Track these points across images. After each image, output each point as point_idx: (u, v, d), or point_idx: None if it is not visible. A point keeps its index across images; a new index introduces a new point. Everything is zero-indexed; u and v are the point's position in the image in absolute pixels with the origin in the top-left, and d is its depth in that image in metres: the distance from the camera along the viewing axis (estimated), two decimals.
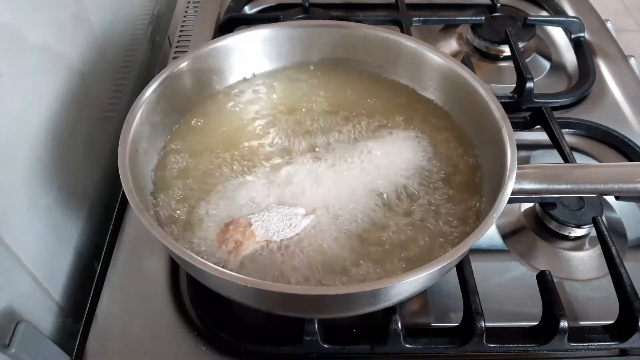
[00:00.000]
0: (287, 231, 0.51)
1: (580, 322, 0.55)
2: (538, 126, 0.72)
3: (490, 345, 0.52)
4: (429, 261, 0.43)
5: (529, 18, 0.89)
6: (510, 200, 0.47)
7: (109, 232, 0.68)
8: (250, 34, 0.65)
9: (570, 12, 0.95)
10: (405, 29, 0.85)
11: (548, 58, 0.88)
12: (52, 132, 0.55)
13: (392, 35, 0.65)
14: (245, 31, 0.65)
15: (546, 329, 0.52)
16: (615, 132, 0.73)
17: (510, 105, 0.76)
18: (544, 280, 0.54)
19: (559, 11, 0.95)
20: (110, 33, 0.71)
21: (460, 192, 0.56)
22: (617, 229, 0.64)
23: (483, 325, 0.51)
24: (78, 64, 0.62)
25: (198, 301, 0.55)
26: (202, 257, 0.46)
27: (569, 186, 0.52)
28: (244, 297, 0.49)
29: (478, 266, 0.55)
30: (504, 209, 0.46)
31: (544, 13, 0.97)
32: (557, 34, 0.92)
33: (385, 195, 0.55)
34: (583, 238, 0.63)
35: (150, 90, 0.56)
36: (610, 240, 0.57)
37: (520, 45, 0.83)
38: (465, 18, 0.90)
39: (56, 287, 0.55)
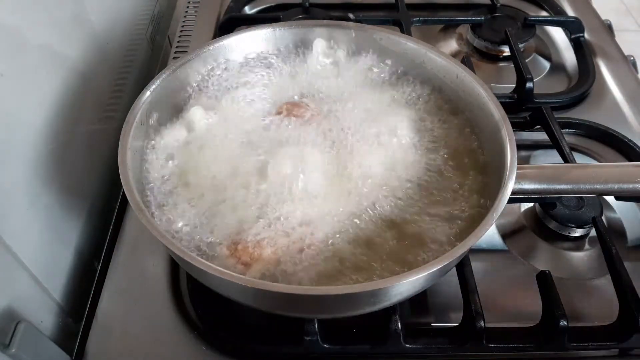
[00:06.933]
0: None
1: (580, 322, 0.55)
2: (538, 126, 0.72)
3: (490, 345, 0.52)
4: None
5: (529, 18, 0.89)
6: (510, 200, 0.47)
7: (109, 232, 0.68)
8: (250, 34, 0.65)
9: (570, 12, 0.95)
10: (405, 29, 0.85)
11: (548, 58, 0.88)
12: (53, 132, 0.55)
13: (392, 35, 0.65)
14: (246, 31, 0.65)
15: (546, 329, 0.52)
16: (615, 132, 0.73)
17: (510, 105, 0.76)
18: (544, 280, 0.54)
19: (559, 11, 0.95)
20: (110, 33, 0.71)
21: (463, 191, 0.55)
22: (617, 229, 0.64)
23: (483, 325, 0.51)
24: (78, 64, 0.62)
25: (198, 301, 0.55)
26: None
27: (569, 186, 0.52)
28: (244, 297, 0.49)
29: (478, 266, 0.55)
30: (504, 209, 0.46)
31: (544, 13, 0.97)
32: (557, 34, 0.92)
33: (393, 196, 0.54)
34: (583, 238, 0.63)
35: (150, 90, 0.56)
36: (610, 240, 0.57)
37: (520, 45, 0.84)
38: (465, 18, 0.90)
39: (56, 287, 0.55)
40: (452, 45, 0.90)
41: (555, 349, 0.52)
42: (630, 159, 0.71)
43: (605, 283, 0.57)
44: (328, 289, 0.44)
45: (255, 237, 0.50)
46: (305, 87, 0.65)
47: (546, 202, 0.62)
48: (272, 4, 0.96)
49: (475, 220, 0.52)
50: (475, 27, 0.88)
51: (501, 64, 0.87)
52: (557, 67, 0.86)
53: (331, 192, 0.54)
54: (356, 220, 0.52)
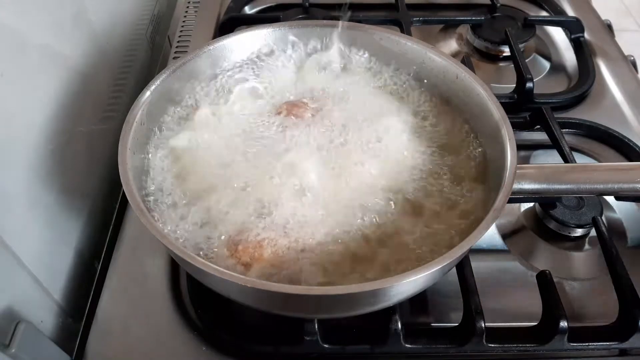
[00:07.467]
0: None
1: (580, 322, 0.55)
2: (538, 126, 0.72)
3: (490, 345, 0.52)
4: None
5: (529, 18, 0.89)
6: (510, 200, 0.48)
7: (109, 232, 0.68)
8: (250, 34, 0.65)
9: (570, 12, 0.95)
10: (405, 29, 0.85)
11: (548, 58, 0.88)
12: (53, 132, 0.55)
13: (392, 35, 0.65)
14: (246, 31, 0.65)
15: (546, 329, 0.52)
16: (615, 132, 0.73)
17: (510, 105, 0.76)
18: (544, 280, 0.54)
19: (559, 11, 0.95)
20: (110, 33, 0.71)
21: (465, 190, 0.56)
22: (617, 229, 0.64)
23: (483, 325, 0.51)
24: (78, 64, 0.62)
25: (198, 301, 0.55)
26: None
27: (569, 186, 0.52)
28: (244, 297, 0.49)
29: (478, 266, 0.55)
30: (504, 209, 0.46)
31: (544, 13, 0.97)
32: (557, 34, 0.92)
33: (393, 195, 0.54)
34: (583, 238, 0.63)
35: (150, 90, 0.56)
36: (610, 240, 0.57)
37: (520, 45, 0.84)
38: (465, 18, 0.90)
39: (56, 287, 0.55)
40: (452, 45, 0.90)
41: (555, 349, 0.52)
42: (630, 159, 0.71)
43: (605, 283, 0.57)
44: (328, 289, 0.44)
45: (256, 237, 0.50)
46: (304, 87, 0.65)
47: (546, 202, 0.62)
48: (272, 4, 0.96)
49: (475, 220, 0.52)
50: (475, 27, 0.88)
51: (501, 64, 0.86)
52: (557, 67, 0.86)
53: (332, 192, 0.54)
54: (357, 220, 0.52)
